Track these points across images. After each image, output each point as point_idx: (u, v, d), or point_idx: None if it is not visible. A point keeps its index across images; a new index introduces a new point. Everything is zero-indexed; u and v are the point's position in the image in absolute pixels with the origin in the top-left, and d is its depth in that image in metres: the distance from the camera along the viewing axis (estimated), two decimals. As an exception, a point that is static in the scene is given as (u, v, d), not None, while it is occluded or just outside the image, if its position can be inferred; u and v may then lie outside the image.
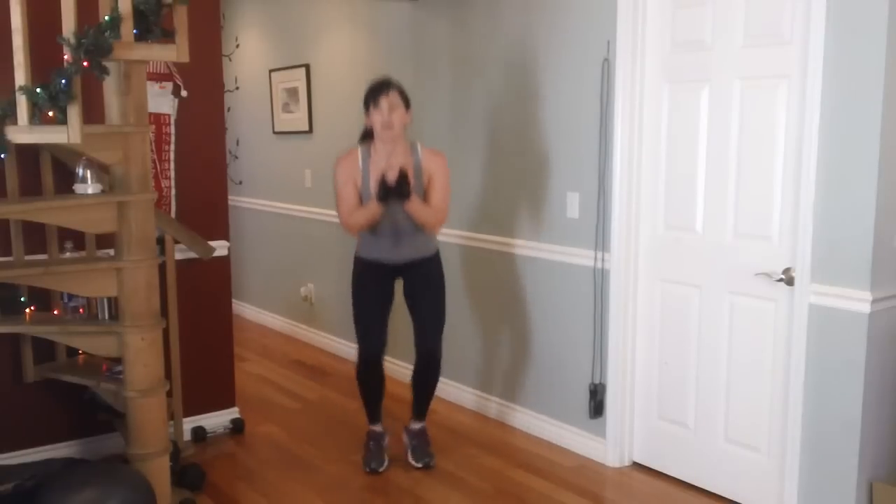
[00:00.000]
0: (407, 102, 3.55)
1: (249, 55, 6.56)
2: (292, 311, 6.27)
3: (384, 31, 5.02)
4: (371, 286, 3.70)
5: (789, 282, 3.11)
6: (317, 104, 5.78)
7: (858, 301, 2.88)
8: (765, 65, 3.14)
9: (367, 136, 3.61)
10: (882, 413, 3.01)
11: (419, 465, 3.79)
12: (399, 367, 5.12)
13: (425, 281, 3.73)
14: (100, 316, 3.28)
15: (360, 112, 5.21)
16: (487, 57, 4.26)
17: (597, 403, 3.83)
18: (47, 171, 3.43)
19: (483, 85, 4.31)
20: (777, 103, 3.11)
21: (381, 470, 3.75)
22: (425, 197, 3.58)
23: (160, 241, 3.54)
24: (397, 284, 3.77)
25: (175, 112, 3.93)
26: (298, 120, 5.96)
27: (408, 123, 3.56)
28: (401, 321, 3.92)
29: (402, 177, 3.37)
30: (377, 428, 3.85)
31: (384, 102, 3.47)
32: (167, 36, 2.88)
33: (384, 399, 3.87)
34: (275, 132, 6.29)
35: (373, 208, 3.48)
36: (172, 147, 3.94)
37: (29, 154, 3.38)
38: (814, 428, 3.06)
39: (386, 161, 3.51)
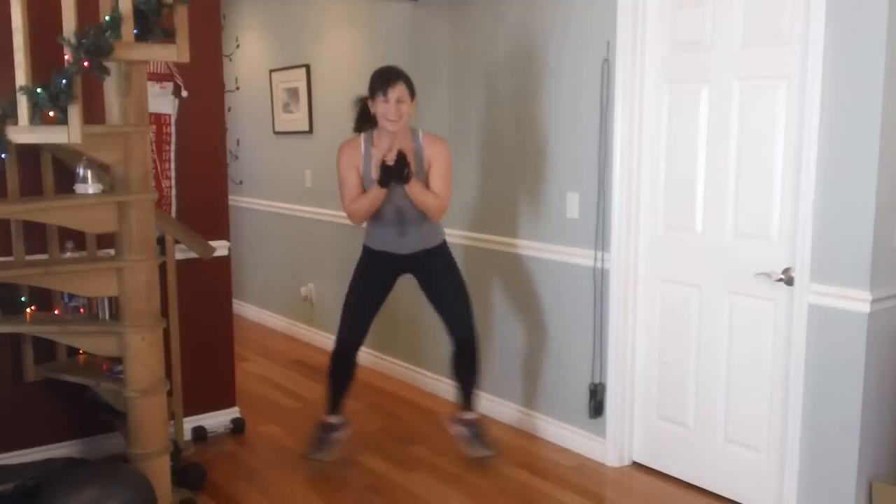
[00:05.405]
0: (412, 93, 3.55)
1: (250, 55, 6.56)
2: (293, 310, 6.27)
3: (384, 31, 5.02)
4: (372, 274, 3.74)
5: (789, 282, 3.11)
6: (317, 104, 5.78)
7: (858, 301, 2.88)
8: (764, 65, 3.15)
9: (366, 117, 3.61)
10: (881, 413, 3.01)
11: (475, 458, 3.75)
12: (389, 363, 5.12)
13: (439, 270, 3.74)
14: (100, 316, 3.28)
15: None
16: (487, 57, 4.26)
17: (597, 403, 3.84)
18: (48, 171, 3.43)
19: (483, 85, 4.31)
20: (777, 104, 3.11)
21: (324, 461, 3.72)
22: (427, 183, 3.60)
23: (160, 241, 3.54)
24: (402, 282, 3.79)
25: (175, 112, 3.93)
26: (299, 120, 5.96)
27: (412, 114, 3.58)
28: (389, 316, 3.90)
29: (401, 158, 3.40)
30: (334, 420, 3.78)
31: (392, 94, 3.47)
32: (168, 36, 2.88)
33: (350, 391, 3.81)
34: (275, 132, 6.29)
35: (375, 193, 3.50)
36: (173, 147, 3.94)
37: (29, 154, 3.38)
38: (813, 428, 3.07)
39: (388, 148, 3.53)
